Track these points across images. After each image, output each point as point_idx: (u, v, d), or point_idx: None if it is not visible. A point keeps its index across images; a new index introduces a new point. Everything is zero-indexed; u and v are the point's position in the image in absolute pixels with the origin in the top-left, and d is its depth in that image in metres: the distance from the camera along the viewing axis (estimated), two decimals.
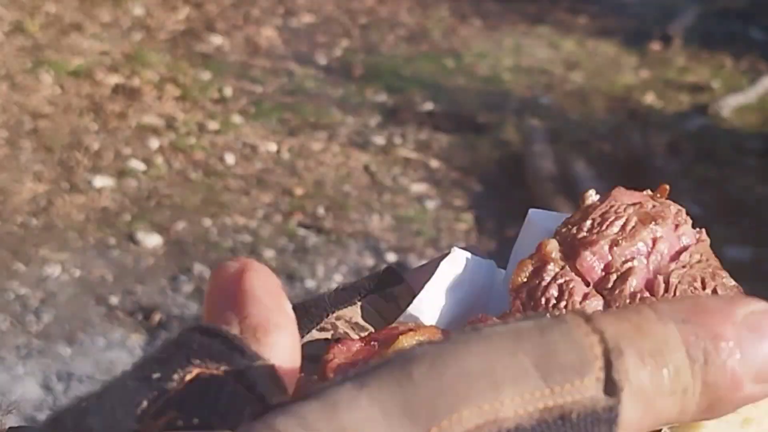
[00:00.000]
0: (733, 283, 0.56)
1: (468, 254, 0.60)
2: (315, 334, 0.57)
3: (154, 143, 3.82)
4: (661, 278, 0.53)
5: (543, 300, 0.52)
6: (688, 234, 0.56)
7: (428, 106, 4.46)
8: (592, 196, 0.56)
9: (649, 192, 0.57)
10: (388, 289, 0.59)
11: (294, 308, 0.52)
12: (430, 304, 0.56)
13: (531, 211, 0.60)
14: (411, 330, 0.51)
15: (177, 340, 0.38)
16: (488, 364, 0.33)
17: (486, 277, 0.59)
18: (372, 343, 0.50)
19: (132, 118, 3.94)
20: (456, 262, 0.59)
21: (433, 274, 0.57)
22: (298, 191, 3.66)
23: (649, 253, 0.54)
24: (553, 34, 5.55)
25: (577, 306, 0.52)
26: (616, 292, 0.52)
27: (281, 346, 0.39)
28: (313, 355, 0.53)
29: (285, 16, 5.34)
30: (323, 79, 4.67)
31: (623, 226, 0.54)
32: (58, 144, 3.71)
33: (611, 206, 0.55)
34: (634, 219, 0.55)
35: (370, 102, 4.48)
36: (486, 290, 0.59)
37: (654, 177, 3.75)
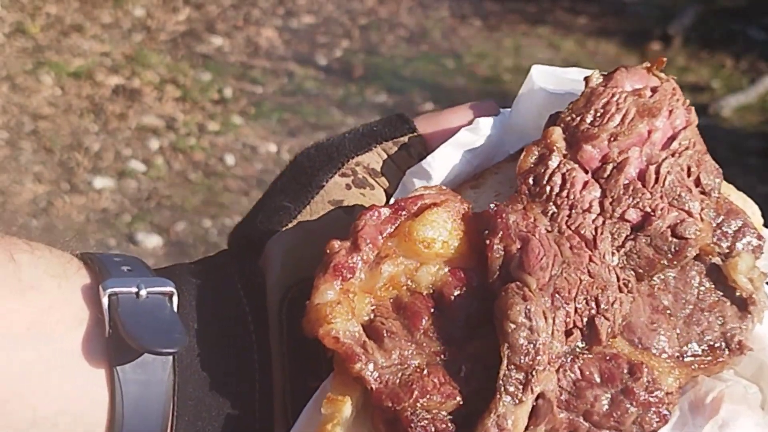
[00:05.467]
0: (716, 166, 0.61)
1: (490, 121, 0.64)
2: (337, 180, 0.63)
3: (154, 144, 3.82)
4: (652, 169, 0.58)
5: (547, 188, 0.57)
6: (680, 117, 0.60)
7: (428, 106, 4.45)
8: (595, 78, 0.61)
9: (647, 64, 0.61)
10: (401, 137, 0.64)
11: (317, 150, 0.64)
12: (441, 162, 0.61)
13: (534, 67, 0.65)
14: (435, 204, 0.56)
15: None
16: None
17: (496, 134, 0.64)
18: (400, 213, 0.55)
19: (132, 119, 3.95)
20: (476, 131, 0.63)
21: (450, 132, 0.62)
22: None
23: (643, 144, 0.59)
24: (553, 34, 5.55)
25: (578, 196, 0.57)
26: (612, 181, 0.57)
27: None
28: (337, 200, 0.61)
29: (285, 17, 5.34)
30: (323, 79, 4.67)
31: (622, 120, 0.59)
32: (58, 145, 3.71)
33: (612, 96, 0.59)
34: (633, 111, 0.59)
35: (370, 102, 4.48)
36: (496, 147, 0.65)
37: None
